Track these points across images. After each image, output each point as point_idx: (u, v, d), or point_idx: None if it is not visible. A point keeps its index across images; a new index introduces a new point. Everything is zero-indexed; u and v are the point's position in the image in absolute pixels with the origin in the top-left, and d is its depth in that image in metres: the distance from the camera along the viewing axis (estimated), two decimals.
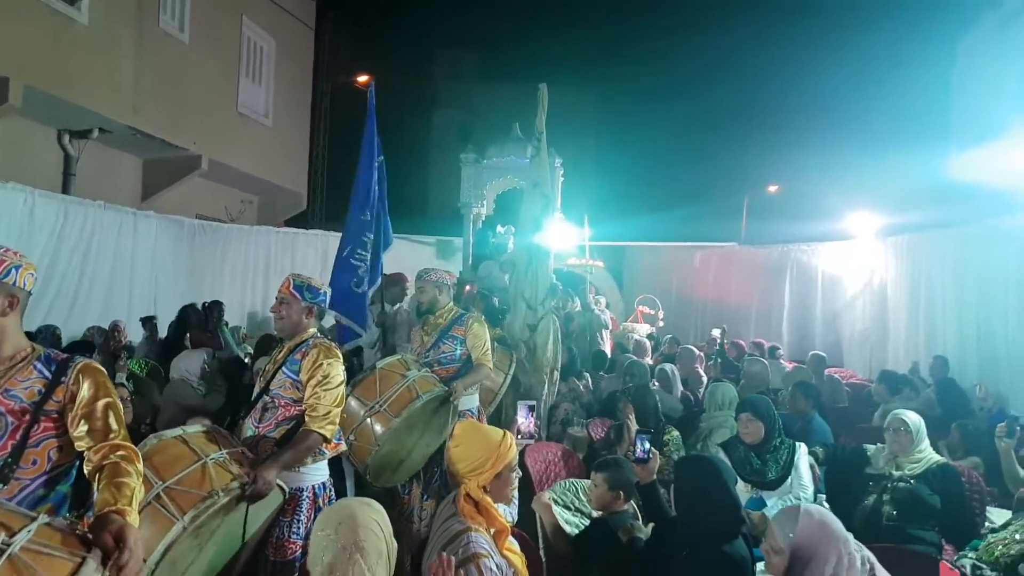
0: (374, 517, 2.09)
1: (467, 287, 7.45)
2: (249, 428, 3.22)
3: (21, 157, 9.79)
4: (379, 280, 5.99)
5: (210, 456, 2.68)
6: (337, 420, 3.19)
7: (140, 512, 2.16)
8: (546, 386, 6.11)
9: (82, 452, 2.21)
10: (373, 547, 2.00)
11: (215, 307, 8.42)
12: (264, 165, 14.53)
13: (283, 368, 3.22)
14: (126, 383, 5.51)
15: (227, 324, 8.90)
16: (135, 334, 8.87)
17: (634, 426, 4.43)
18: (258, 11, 14.29)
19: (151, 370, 6.68)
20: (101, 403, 2.24)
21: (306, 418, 3.13)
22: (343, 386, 3.23)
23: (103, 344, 7.14)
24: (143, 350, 8.22)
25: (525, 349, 5.92)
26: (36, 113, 9.56)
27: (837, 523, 2.48)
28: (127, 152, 11.89)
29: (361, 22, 21.61)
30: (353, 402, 3.84)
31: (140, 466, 2.20)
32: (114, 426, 2.23)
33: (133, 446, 2.25)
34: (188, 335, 8.12)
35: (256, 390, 3.33)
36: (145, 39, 11.00)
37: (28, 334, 7.03)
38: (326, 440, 3.14)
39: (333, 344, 3.35)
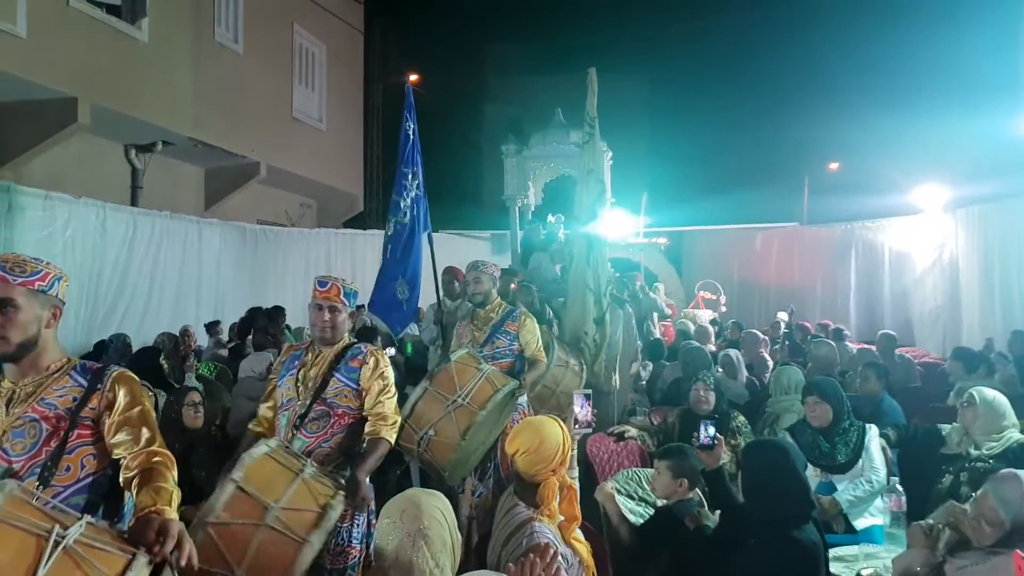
0: (438, 506, 2.10)
1: (512, 285, 7.44)
2: (299, 439, 3.12)
3: (92, 173, 10.23)
4: (416, 279, 5.94)
5: (305, 472, 2.72)
6: (398, 426, 3.24)
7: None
8: (616, 376, 6.05)
9: (115, 462, 2.23)
10: (437, 535, 2.01)
11: (277, 312, 8.65)
12: (321, 169, 14.83)
13: (338, 375, 3.19)
14: (197, 386, 5.69)
15: (289, 327, 9.11)
16: (203, 338, 9.17)
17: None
18: (308, 18, 14.57)
19: (219, 372, 6.89)
20: (136, 410, 2.26)
21: (374, 426, 3.15)
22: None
23: (172, 349, 7.38)
24: (210, 354, 8.49)
25: (593, 343, 5.83)
26: (104, 130, 9.96)
27: None
28: (189, 163, 12.28)
29: (408, 22, 21.82)
30: (433, 396, 3.72)
31: (175, 472, 2.21)
32: (147, 433, 2.25)
33: (168, 452, 2.27)
34: (252, 337, 8.34)
35: (297, 399, 3.20)
36: (202, 53, 11.35)
37: (100, 343, 7.27)
38: (391, 446, 3.18)
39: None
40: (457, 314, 6.28)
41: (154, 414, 2.34)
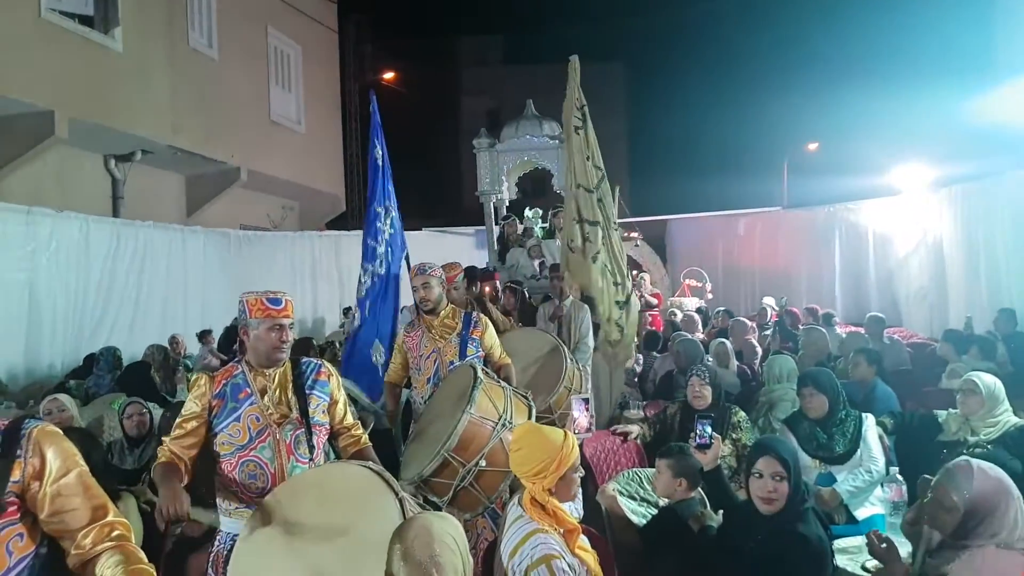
0: (450, 532, 2.08)
1: (487, 288, 7.13)
2: (297, 467, 2.92)
3: (72, 185, 10.11)
4: (391, 338, 5.32)
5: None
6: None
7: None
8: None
9: (46, 537, 1.86)
10: (449, 562, 1.99)
11: None
12: (301, 170, 14.74)
13: (315, 392, 3.06)
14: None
15: None
16: (193, 347, 9.11)
17: None
18: (282, 20, 14.43)
19: None
20: (73, 475, 1.85)
21: (352, 436, 3.15)
22: None
23: (163, 361, 7.32)
24: (201, 363, 8.44)
25: (617, 329, 5.83)
26: (82, 142, 9.84)
27: (1009, 478, 2.51)
28: (169, 170, 12.17)
29: (382, 20, 21.66)
30: (478, 423, 3.36)
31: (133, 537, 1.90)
32: (94, 501, 1.87)
33: (123, 519, 1.93)
34: (238, 345, 8.28)
35: (274, 426, 2.94)
36: (177, 59, 11.23)
37: (90, 357, 7.27)
38: None
39: None
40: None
41: (89, 472, 1.94)
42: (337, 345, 8.09)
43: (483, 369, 3.73)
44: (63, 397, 4.97)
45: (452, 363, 4.22)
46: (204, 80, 11.83)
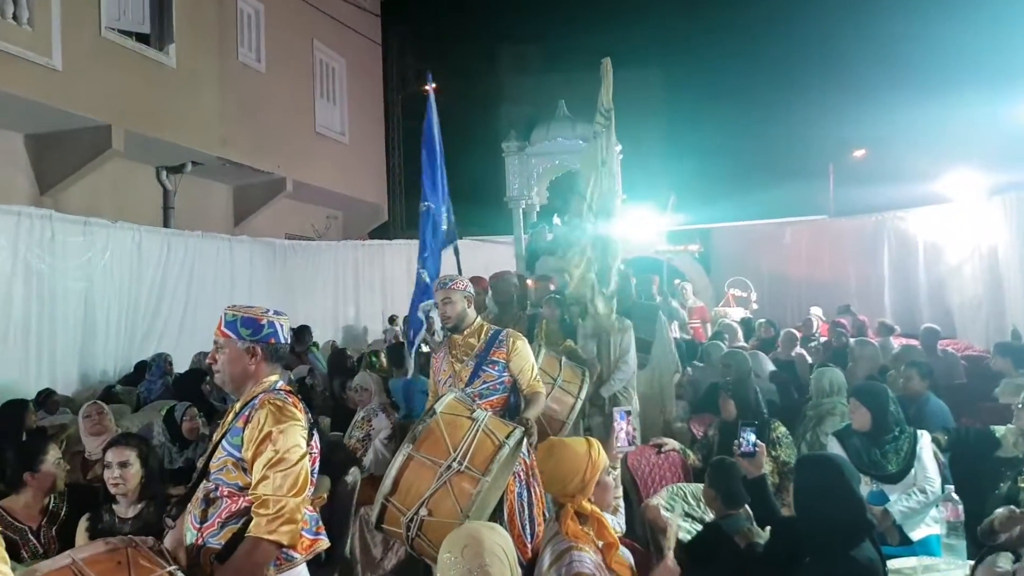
0: (499, 543, 2.08)
1: (550, 283, 6.98)
2: (189, 530, 2.43)
3: (126, 196, 10.44)
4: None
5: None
6: (299, 517, 2.31)
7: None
8: (635, 394, 5.93)
9: None
10: (498, 573, 2.00)
11: (303, 331, 8.78)
12: (345, 181, 14.97)
13: (224, 441, 2.41)
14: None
15: (317, 345, 9.21)
16: None
17: None
18: (327, 33, 14.69)
19: None
20: None
21: (253, 516, 2.29)
22: (305, 463, 2.36)
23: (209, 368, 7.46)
24: None
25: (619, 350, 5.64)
26: (136, 154, 10.15)
27: None
28: (218, 181, 12.46)
29: (425, 32, 21.90)
30: (420, 464, 2.89)
31: None
32: None
33: None
34: None
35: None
36: (226, 74, 11.51)
37: (141, 363, 7.42)
38: (282, 546, 2.29)
39: (291, 399, 2.47)
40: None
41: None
42: (379, 355, 8.16)
43: (458, 397, 3.27)
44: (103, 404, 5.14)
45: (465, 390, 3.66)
46: (252, 93, 12.11)
